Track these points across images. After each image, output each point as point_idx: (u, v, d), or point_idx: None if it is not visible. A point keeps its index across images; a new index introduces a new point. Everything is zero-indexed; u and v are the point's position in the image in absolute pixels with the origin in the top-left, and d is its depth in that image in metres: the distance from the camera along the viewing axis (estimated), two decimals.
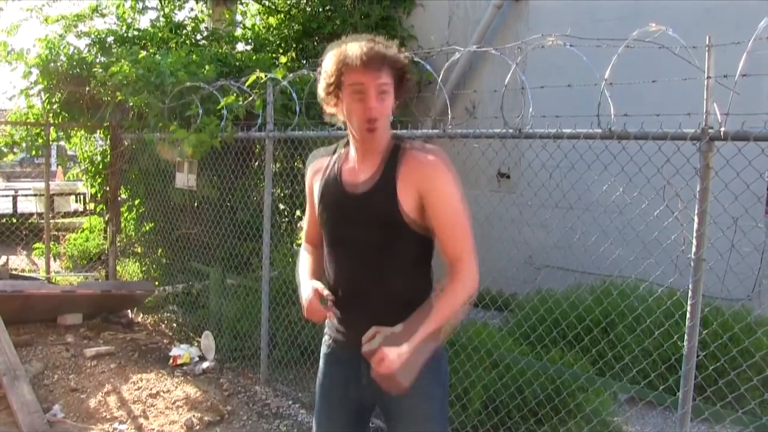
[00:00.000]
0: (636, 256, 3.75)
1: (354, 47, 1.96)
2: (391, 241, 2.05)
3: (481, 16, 7.66)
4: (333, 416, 2.26)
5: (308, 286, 2.14)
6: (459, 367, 3.97)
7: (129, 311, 6.82)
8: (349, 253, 2.12)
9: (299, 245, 7.31)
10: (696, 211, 2.82)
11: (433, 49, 6.05)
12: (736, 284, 3.62)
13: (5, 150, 7.60)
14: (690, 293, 2.85)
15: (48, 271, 7.94)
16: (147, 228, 7.29)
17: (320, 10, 9.10)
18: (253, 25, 9.74)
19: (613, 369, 3.45)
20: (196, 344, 5.94)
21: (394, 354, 1.84)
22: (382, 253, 2.06)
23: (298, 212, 6.72)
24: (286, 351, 5.29)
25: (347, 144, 2.19)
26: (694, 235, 2.83)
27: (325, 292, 2.10)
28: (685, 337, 2.88)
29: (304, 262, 2.32)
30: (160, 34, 7.54)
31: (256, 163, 6.44)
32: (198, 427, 4.52)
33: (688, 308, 2.85)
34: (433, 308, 1.97)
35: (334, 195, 2.13)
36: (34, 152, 7.52)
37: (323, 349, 2.29)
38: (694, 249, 2.84)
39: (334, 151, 2.22)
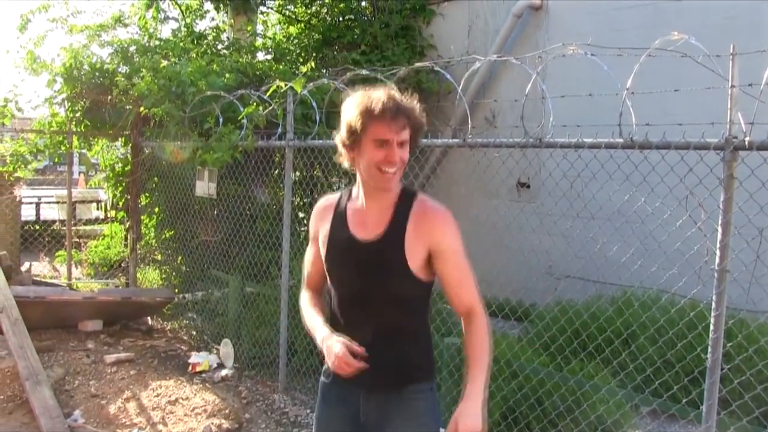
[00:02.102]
0: (658, 267, 3.70)
1: (379, 99, 2.00)
2: (395, 287, 2.12)
3: (501, 25, 7.65)
4: None
5: (331, 337, 2.09)
6: None
7: (149, 318, 6.87)
8: (353, 297, 2.17)
9: None
10: (719, 222, 2.79)
11: (453, 59, 6.05)
12: (761, 296, 3.55)
13: (29, 158, 7.72)
14: (714, 305, 2.81)
15: (69, 278, 8.02)
16: (167, 235, 7.34)
17: (340, 19, 9.15)
18: (274, 35, 9.81)
19: (634, 381, 3.40)
20: (215, 352, 5.96)
21: (476, 424, 1.99)
22: (385, 297, 2.13)
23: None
24: (305, 359, 5.29)
25: (351, 192, 2.24)
26: (718, 245, 2.79)
27: (356, 346, 2.05)
28: (709, 349, 2.83)
29: (310, 311, 2.30)
30: (181, 44, 7.61)
31: (276, 172, 6.47)
32: None
33: (712, 320, 2.81)
34: (475, 362, 2.07)
35: (341, 240, 2.17)
36: (57, 159, 7.61)
37: (322, 378, 2.31)
38: (717, 260, 2.80)
39: (340, 198, 2.25)
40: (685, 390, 3.63)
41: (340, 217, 2.20)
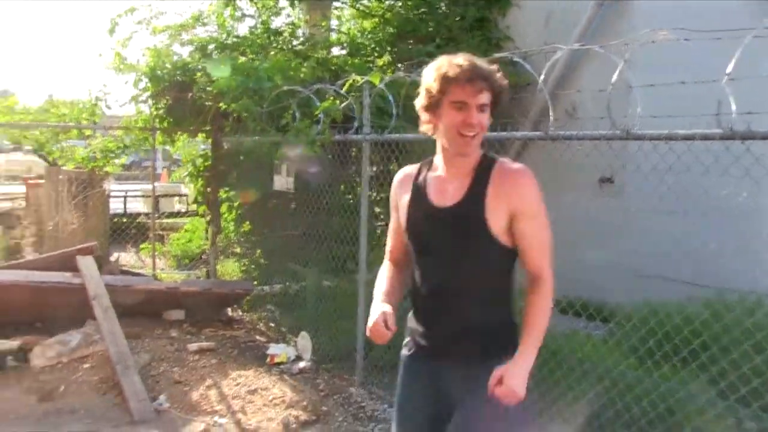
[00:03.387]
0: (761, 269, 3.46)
1: (457, 63, 2.00)
2: (478, 252, 2.09)
3: (581, 15, 7.38)
4: (409, 428, 2.30)
5: (378, 308, 2.17)
6: (561, 380, 3.81)
7: (228, 309, 7.02)
8: (436, 264, 2.16)
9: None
10: None
11: (533, 49, 5.88)
12: None
13: (117, 153, 8.03)
14: None
15: (154, 269, 8.29)
16: (246, 229, 7.47)
17: (415, 12, 9.06)
18: (348, 30, 9.82)
19: (737, 392, 3.16)
20: (292, 344, 6.03)
21: (519, 387, 1.97)
22: (468, 265, 2.11)
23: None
24: (383, 354, 5.26)
25: (432, 163, 2.23)
26: None
27: (391, 320, 2.12)
28: None
29: (381, 281, 2.34)
30: (258, 41, 7.71)
31: (353, 167, 6.48)
32: (294, 425, 4.57)
33: None
34: (532, 328, 2.06)
35: (421, 208, 2.18)
36: (142, 155, 7.88)
37: (404, 351, 2.32)
38: None
39: (420, 168, 2.26)
40: None
41: (419, 186, 2.21)
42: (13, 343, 5.28)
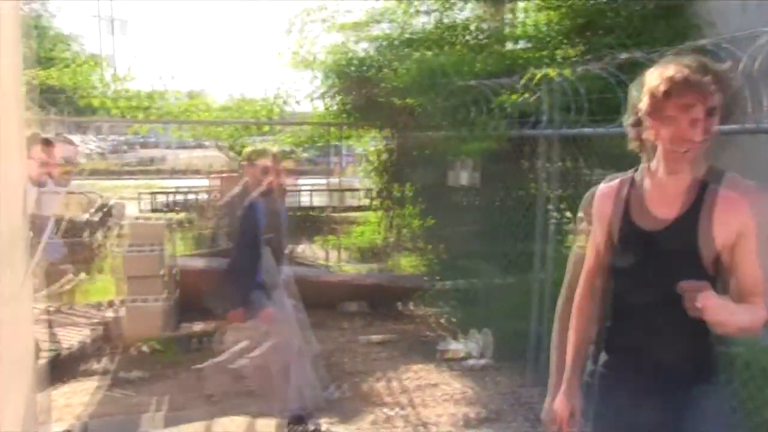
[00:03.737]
0: None
1: (682, 72, 1.84)
2: (685, 276, 1.88)
3: None
4: None
5: (564, 395, 2.17)
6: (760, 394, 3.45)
7: (402, 303, 7.12)
8: (635, 290, 2.04)
9: (569, 248, 6.95)
10: None
11: (735, 35, 5.38)
12: None
13: (303, 147, 8.43)
14: None
15: (331, 261, 8.58)
16: (423, 224, 7.54)
17: (594, 2, 8.64)
18: (529, 22, 9.60)
19: None
20: (464, 340, 5.99)
21: (719, 305, 1.76)
22: (671, 291, 1.90)
23: (568, 213, 6.46)
24: None
25: (634, 179, 2.08)
26: None
27: (575, 418, 2.11)
28: None
29: (572, 329, 2.23)
30: (432, 36, 7.75)
31: (529, 163, 6.32)
32: (467, 422, 4.53)
33: None
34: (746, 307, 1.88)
35: (623, 231, 2.04)
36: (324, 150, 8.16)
37: (599, 367, 2.18)
38: None
39: (620, 185, 2.09)
40: None
41: (622, 206, 2.05)
42: (209, 326, 5.67)
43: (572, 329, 2.24)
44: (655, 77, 1.86)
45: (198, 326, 5.68)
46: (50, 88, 8.18)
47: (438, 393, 4.98)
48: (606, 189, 2.13)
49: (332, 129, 8.23)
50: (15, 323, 2.08)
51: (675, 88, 1.82)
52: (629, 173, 2.10)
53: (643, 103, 1.88)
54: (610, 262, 2.10)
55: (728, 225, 1.88)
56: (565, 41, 7.77)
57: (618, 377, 2.14)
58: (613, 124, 4.56)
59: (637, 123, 1.94)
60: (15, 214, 2.13)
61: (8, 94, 2.07)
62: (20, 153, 2.24)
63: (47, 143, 4.57)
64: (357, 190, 13.80)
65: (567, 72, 4.82)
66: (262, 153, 4.34)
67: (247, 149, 4.61)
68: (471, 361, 5.58)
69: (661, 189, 1.98)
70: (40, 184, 4.34)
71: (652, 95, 1.86)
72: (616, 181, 2.11)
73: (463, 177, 6.39)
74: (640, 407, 2.07)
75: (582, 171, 6.06)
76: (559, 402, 2.20)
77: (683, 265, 1.91)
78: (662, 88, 1.83)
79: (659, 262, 1.96)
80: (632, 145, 2.02)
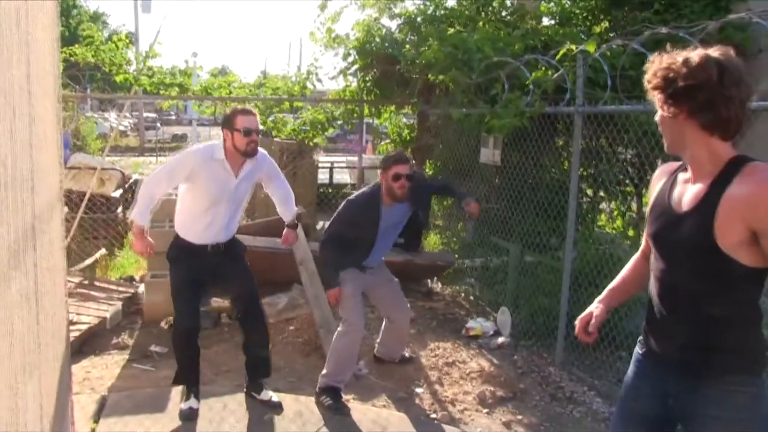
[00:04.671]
0: None
1: (734, 62, 1.86)
2: (707, 266, 1.93)
3: None
4: (631, 430, 2.26)
5: (593, 306, 2.33)
6: None
7: (429, 281, 7.12)
8: (667, 271, 2.07)
9: (601, 226, 6.91)
10: None
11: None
12: None
13: (326, 125, 8.44)
14: None
15: None
16: (449, 202, 7.52)
17: None
18: None
19: None
20: (491, 318, 6.00)
21: None
22: (695, 276, 1.98)
23: (601, 192, 6.39)
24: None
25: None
26: None
27: (595, 323, 2.26)
28: None
29: (625, 269, 2.42)
30: (466, 12, 7.66)
31: (561, 140, 6.24)
32: (491, 400, 4.55)
33: None
34: None
35: (659, 210, 2.10)
36: (351, 127, 8.17)
37: (637, 347, 2.26)
38: None
39: (679, 166, 2.12)
40: None
41: (668, 186, 2.10)
42: (227, 303, 5.75)
43: (624, 269, 2.41)
44: (731, 62, 1.86)
45: (229, 301, 5.72)
46: (85, 65, 8.28)
47: (466, 371, 4.99)
48: (665, 166, 2.19)
49: (365, 106, 8.20)
50: (51, 294, 2.14)
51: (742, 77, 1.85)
52: None
53: (718, 87, 1.84)
54: (648, 237, 2.16)
55: (738, 213, 1.84)
56: (601, 16, 7.63)
57: (644, 355, 2.21)
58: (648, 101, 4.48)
59: (711, 103, 1.87)
60: (52, 188, 2.18)
61: (47, 72, 2.11)
62: (56, 130, 2.29)
63: None
64: None
65: (591, 47, 4.73)
66: (398, 159, 4.38)
67: (385, 155, 4.75)
68: (500, 339, 5.59)
69: (695, 173, 1.99)
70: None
71: (729, 80, 1.84)
72: (678, 163, 2.13)
73: (495, 154, 6.34)
74: (661, 390, 2.11)
75: (617, 149, 5.98)
76: (589, 308, 2.34)
77: (704, 253, 1.91)
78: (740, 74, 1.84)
79: (682, 249, 1.98)
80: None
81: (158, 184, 3.93)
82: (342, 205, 4.57)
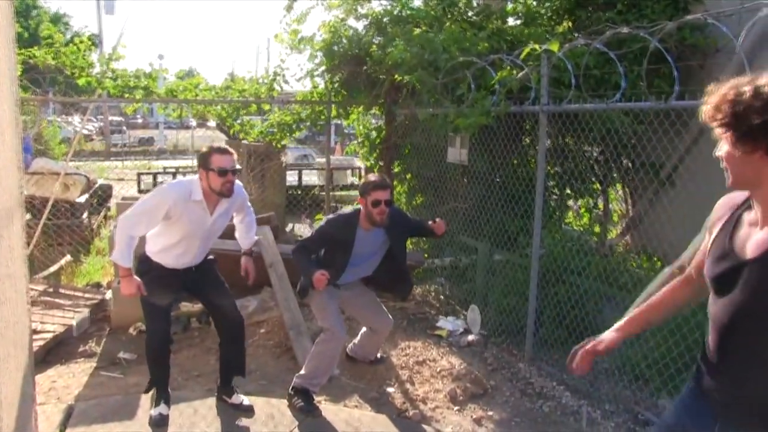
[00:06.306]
0: None
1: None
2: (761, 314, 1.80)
3: None
4: None
5: (607, 332, 2.27)
6: None
7: None
8: (726, 311, 1.89)
9: (567, 224, 6.92)
10: None
11: (727, 10, 5.33)
12: None
13: (293, 127, 8.39)
14: None
15: None
16: (418, 201, 7.54)
17: None
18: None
19: None
20: (461, 317, 6.03)
21: None
22: (758, 326, 1.82)
23: (567, 190, 6.46)
24: (553, 330, 5.14)
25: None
26: None
27: (600, 348, 2.24)
28: None
29: (652, 290, 2.35)
30: (432, 13, 7.68)
31: (528, 139, 6.30)
32: (461, 398, 4.58)
33: None
34: None
35: (721, 250, 1.92)
36: (319, 129, 8.12)
37: (691, 376, 2.13)
38: None
39: (744, 202, 1.96)
40: None
41: (730, 224, 1.94)
42: (196, 307, 5.69)
43: (654, 288, 2.36)
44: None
45: (198, 306, 5.66)
46: (46, 67, 8.12)
47: (437, 369, 5.02)
48: (729, 199, 2.03)
49: (333, 107, 8.17)
50: (12, 302, 2.09)
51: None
52: None
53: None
54: (706, 273, 1.99)
55: None
56: (565, 16, 7.72)
57: (695, 389, 2.10)
58: (612, 99, 4.56)
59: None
60: (10, 192, 2.14)
61: (2, 74, 2.07)
62: (14, 133, 2.24)
63: None
64: (357, 168, 13.82)
65: (554, 46, 4.79)
66: (378, 185, 4.26)
67: (364, 181, 4.59)
68: (470, 337, 5.62)
69: (759, 214, 1.86)
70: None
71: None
72: (744, 195, 1.96)
73: (462, 153, 6.38)
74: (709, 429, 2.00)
75: (582, 147, 6.05)
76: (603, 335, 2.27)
77: (760, 303, 1.79)
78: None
79: (743, 294, 1.84)
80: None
81: (136, 226, 3.83)
82: (323, 220, 4.54)
